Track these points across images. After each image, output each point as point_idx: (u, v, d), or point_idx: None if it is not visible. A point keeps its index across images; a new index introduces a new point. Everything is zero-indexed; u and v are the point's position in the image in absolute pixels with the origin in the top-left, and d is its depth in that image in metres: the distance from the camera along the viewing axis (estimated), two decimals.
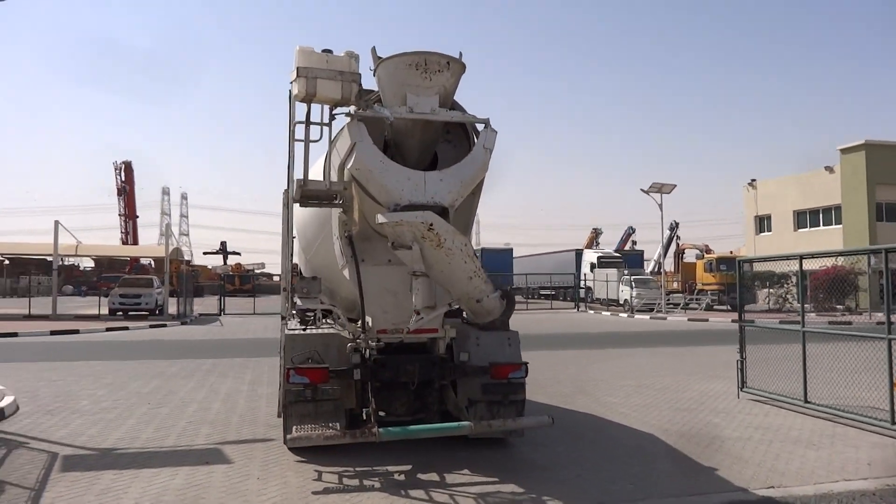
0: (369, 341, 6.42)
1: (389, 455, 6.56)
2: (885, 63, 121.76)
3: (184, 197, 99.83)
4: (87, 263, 70.30)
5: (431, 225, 5.60)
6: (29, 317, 27.58)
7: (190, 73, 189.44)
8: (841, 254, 10.52)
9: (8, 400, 9.03)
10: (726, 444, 7.20)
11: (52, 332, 21.55)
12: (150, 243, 71.12)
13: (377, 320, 6.46)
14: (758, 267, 13.79)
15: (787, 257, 10.19)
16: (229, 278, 57.27)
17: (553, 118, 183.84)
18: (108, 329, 23.09)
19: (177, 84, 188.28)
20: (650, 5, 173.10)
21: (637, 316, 31.93)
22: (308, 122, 6.50)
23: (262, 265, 72.30)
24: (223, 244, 69.87)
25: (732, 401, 9.69)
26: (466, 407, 6.65)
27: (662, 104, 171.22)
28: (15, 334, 20.55)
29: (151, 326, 24.84)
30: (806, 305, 11.08)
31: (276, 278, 55.19)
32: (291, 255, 7.40)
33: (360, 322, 6.48)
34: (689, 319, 29.47)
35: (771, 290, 32.15)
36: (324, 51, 6.12)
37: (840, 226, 37.64)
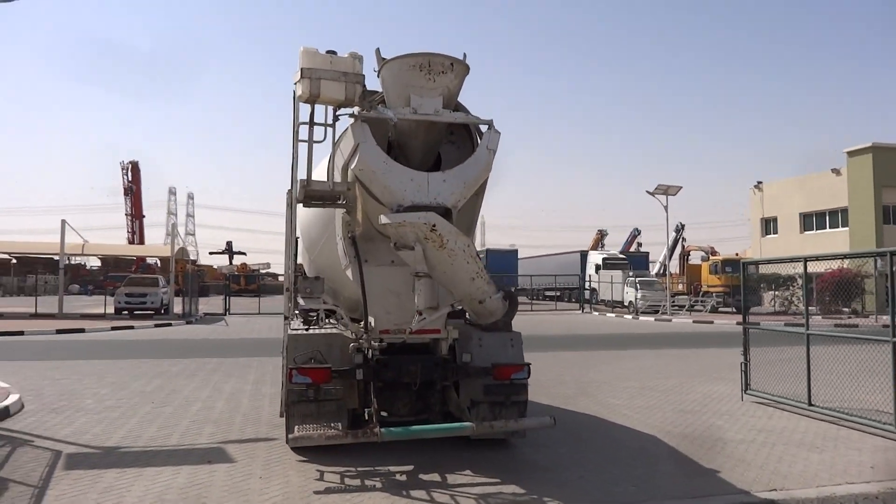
0: (372, 342, 6.41)
1: (391, 455, 6.57)
2: (888, 64, 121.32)
3: (190, 197, 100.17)
4: (94, 263, 70.77)
5: (434, 226, 5.60)
6: (35, 315, 27.72)
7: (191, 72, 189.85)
8: (846, 256, 10.44)
9: (13, 398, 9.10)
10: (729, 447, 7.19)
11: (58, 331, 21.68)
12: (156, 243, 71.44)
13: (380, 321, 6.46)
14: (763, 269, 13.73)
15: (792, 259, 10.14)
16: (235, 278, 57.33)
17: (553, 118, 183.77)
18: (113, 328, 23.18)
19: (178, 84, 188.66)
20: (650, 5, 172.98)
21: (642, 318, 31.89)
22: (312, 123, 6.54)
23: (268, 265, 72.76)
24: (229, 244, 70.22)
25: (736, 403, 9.67)
26: (468, 407, 6.64)
27: (664, 104, 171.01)
28: (21, 333, 20.68)
29: (157, 326, 24.93)
30: (812, 308, 11.03)
31: (280, 278, 55.27)
32: (295, 255, 7.42)
33: (362, 322, 6.49)
34: (694, 321, 29.38)
35: (776, 293, 32.07)
36: (328, 52, 6.15)
37: (846, 228, 37.55)
